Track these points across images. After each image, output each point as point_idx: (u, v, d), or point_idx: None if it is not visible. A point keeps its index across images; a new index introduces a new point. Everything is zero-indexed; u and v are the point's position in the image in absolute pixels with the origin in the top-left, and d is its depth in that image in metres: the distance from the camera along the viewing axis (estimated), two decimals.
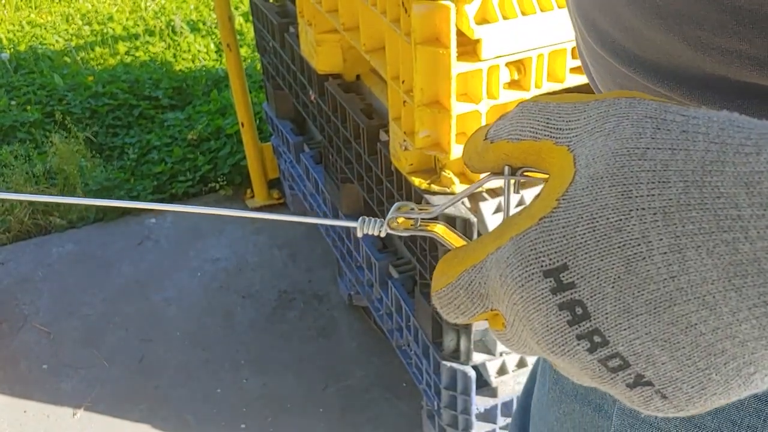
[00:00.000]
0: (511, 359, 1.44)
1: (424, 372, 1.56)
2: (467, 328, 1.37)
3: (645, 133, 0.28)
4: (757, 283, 0.24)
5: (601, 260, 0.27)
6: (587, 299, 0.28)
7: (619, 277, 0.27)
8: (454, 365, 1.42)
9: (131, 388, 1.92)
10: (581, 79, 1.22)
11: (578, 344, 0.29)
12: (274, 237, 2.38)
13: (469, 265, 0.32)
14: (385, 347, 1.95)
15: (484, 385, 1.47)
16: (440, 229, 0.38)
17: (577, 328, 0.28)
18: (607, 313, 0.28)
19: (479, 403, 1.48)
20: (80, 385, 1.94)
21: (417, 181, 1.29)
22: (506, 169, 0.34)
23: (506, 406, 1.52)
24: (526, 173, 0.34)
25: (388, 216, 0.38)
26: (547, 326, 0.29)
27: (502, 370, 1.45)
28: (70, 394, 1.91)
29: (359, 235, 0.39)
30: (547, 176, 0.32)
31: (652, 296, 0.27)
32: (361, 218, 0.39)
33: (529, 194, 1.21)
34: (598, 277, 0.27)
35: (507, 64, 1.15)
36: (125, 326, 2.11)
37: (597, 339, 0.28)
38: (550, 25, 1.12)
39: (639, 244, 0.26)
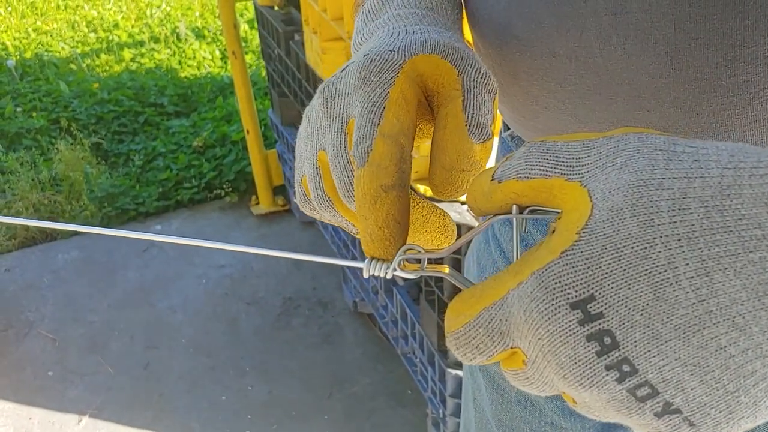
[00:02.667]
0: None
1: (430, 379, 1.56)
2: None
3: (658, 164, 0.28)
4: None
5: (629, 289, 0.28)
6: (616, 328, 0.28)
7: (647, 304, 0.27)
8: (460, 373, 1.42)
9: (136, 395, 1.92)
10: None
11: (607, 374, 0.29)
12: (279, 244, 2.38)
13: (489, 302, 0.32)
14: (390, 354, 1.95)
15: None
16: (447, 270, 0.39)
17: (606, 359, 0.28)
18: (636, 341, 0.28)
19: None
20: (85, 391, 1.94)
21: (422, 189, 1.29)
22: (515, 208, 0.34)
23: None
24: (532, 212, 0.34)
25: (396, 259, 0.38)
26: (575, 359, 0.29)
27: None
28: (75, 400, 1.91)
29: (365, 275, 0.39)
30: (555, 213, 0.33)
31: (681, 321, 0.27)
32: (367, 259, 0.39)
33: None
34: (626, 306, 0.28)
35: None
36: (130, 333, 2.11)
37: (626, 368, 0.28)
38: None
39: (666, 270, 0.27)
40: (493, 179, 0.34)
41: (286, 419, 1.85)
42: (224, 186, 2.64)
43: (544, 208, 0.34)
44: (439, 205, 0.43)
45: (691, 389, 0.28)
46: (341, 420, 1.84)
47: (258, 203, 2.56)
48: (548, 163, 0.32)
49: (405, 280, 1.60)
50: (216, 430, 1.83)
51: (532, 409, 0.72)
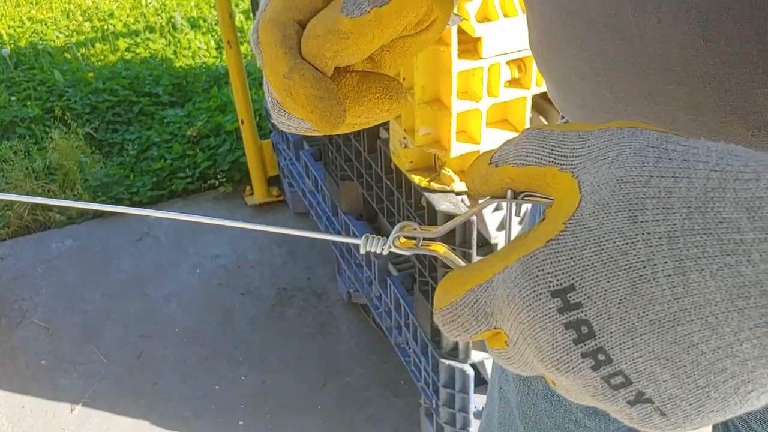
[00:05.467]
0: None
1: (423, 370, 1.56)
2: None
3: (648, 161, 0.29)
4: (759, 305, 0.26)
5: (608, 282, 0.28)
6: (593, 319, 0.29)
7: (625, 298, 0.28)
8: (453, 363, 1.43)
9: (130, 384, 1.92)
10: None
11: (583, 362, 0.30)
12: (274, 234, 2.38)
13: (475, 283, 0.33)
14: (384, 345, 1.95)
15: (482, 383, 1.48)
16: (441, 249, 0.39)
17: (582, 347, 0.29)
18: (612, 333, 0.29)
19: (477, 401, 1.48)
20: (78, 380, 1.94)
21: (417, 179, 1.29)
22: (509, 192, 0.36)
23: None
24: (527, 197, 0.35)
25: (392, 236, 0.39)
26: (553, 344, 0.30)
27: None
28: (68, 389, 1.91)
29: (362, 252, 0.40)
30: (547, 200, 0.34)
31: (656, 316, 0.28)
32: (364, 236, 0.40)
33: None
34: (604, 298, 0.29)
35: (507, 62, 1.15)
36: (124, 322, 2.11)
37: (601, 357, 0.29)
38: None
39: (645, 267, 0.28)
40: (491, 163, 0.35)
41: (280, 409, 1.85)
42: (218, 176, 2.64)
43: (538, 194, 0.35)
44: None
45: (663, 381, 0.29)
46: (335, 410, 1.84)
47: (252, 193, 2.55)
48: (544, 151, 0.33)
49: (399, 270, 1.60)
50: (209, 420, 1.83)
51: (558, 404, 0.74)
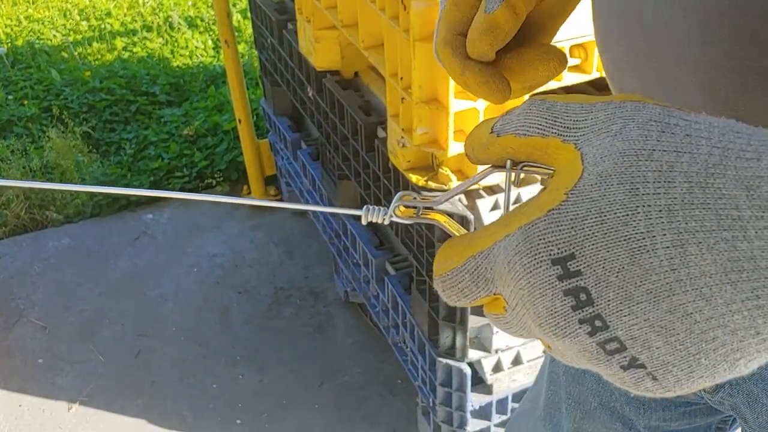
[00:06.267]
0: (507, 356, 1.45)
1: (420, 369, 1.56)
2: (463, 324, 1.37)
3: (651, 135, 0.30)
4: (751, 278, 0.27)
5: (608, 251, 0.29)
6: (592, 286, 0.30)
7: (623, 267, 0.29)
8: (450, 362, 1.43)
9: (127, 383, 1.92)
10: (578, 78, 1.22)
11: (580, 328, 0.31)
12: (271, 233, 2.38)
13: (477, 250, 0.34)
14: (381, 344, 1.95)
15: (479, 382, 1.48)
16: (442, 218, 0.40)
17: (580, 313, 0.30)
18: (609, 300, 0.30)
19: (474, 400, 1.48)
20: (76, 379, 1.94)
21: (414, 178, 1.29)
22: (508, 162, 0.36)
23: (501, 403, 1.53)
24: (526, 168, 0.36)
25: (392, 204, 0.40)
26: (552, 310, 0.31)
27: (497, 368, 1.46)
28: (65, 388, 1.91)
29: (364, 222, 0.41)
30: (547, 171, 0.34)
31: (653, 286, 0.29)
32: (365, 207, 0.40)
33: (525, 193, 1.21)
34: (603, 267, 0.29)
35: None
36: (121, 321, 2.11)
37: (598, 323, 0.30)
38: None
39: (644, 238, 0.28)
40: (492, 132, 0.36)
41: (277, 408, 1.85)
42: (216, 175, 2.64)
43: (538, 165, 0.35)
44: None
45: (656, 348, 0.30)
46: (332, 409, 1.85)
47: (250, 193, 2.55)
48: (546, 122, 0.34)
49: (397, 269, 1.60)
50: (207, 419, 1.83)
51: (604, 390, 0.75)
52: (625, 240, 0.29)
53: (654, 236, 0.28)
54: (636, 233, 0.29)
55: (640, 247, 0.28)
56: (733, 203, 0.27)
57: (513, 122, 0.35)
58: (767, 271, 0.26)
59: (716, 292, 0.27)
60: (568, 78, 1.20)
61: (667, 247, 0.28)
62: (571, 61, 1.20)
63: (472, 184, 0.39)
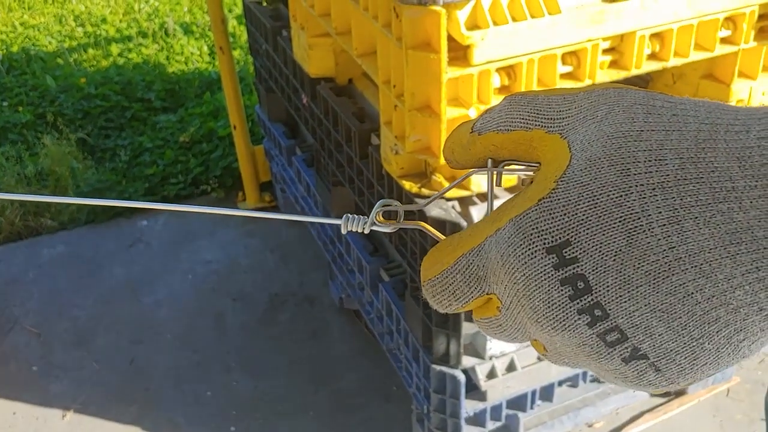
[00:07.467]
0: (501, 363, 1.45)
1: (414, 375, 1.56)
2: (457, 331, 1.37)
3: (637, 117, 0.29)
4: (750, 250, 0.26)
5: (603, 235, 0.29)
6: (589, 273, 0.29)
7: (620, 249, 0.29)
8: (444, 369, 1.43)
9: (121, 390, 1.92)
10: (571, 85, 1.23)
11: (579, 318, 0.30)
12: (266, 240, 2.38)
13: (467, 249, 0.33)
14: (376, 350, 1.95)
15: (473, 389, 1.48)
16: (423, 224, 0.39)
17: (578, 303, 0.30)
18: (608, 286, 0.29)
19: (468, 406, 1.48)
20: (70, 386, 1.93)
21: (407, 185, 1.29)
22: (489, 162, 0.35)
23: (495, 409, 1.53)
24: (508, 167, 0.35)
25: (373, 212, 0.39)
26: (549, 302, 0.30)
27: (491, 374, 1.46)
28: (59, 395, 1.91)
29: (343, 231, 0.40)
30: (531, 169, 0.34)
31: (652, 267, 0.28)
32: (345, 215, 0.40)
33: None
34: (600, 251, 0.29)
35: (497, 70, 1.16)
36: (116, 328, 2.10)
37: (597, 312, 0.29)
38: (540, 31, 1.12)
39: (639, 218, 0.28)
40: (472, 131, 0.35)
41: (272, 415, 1.85)
42: (211, 182, 2.64)
43: (520, 163, 0.35)
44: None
45: (659, 335, 0.29)
46: (327, 416, 1.84)
47: (244, 199, 2.55)
48: (529, 115, 0.33)
49: (391, 276, 1.60)
50: (201, 426, 1.83)
51: None
52: (620, 221, 0.28)
53: (649, 215, 0.28)
54: (631, 213, 0.28)
55: (636, 227, 0.28)
56: (726, 175, 0.26)
57: (494, 119, 0.35)
58: (765, 241, 0.26)
59: (716, 268, 0.27)
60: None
61: (664, 225, 0.28)
62: (564, 69, 1.20)
63: (453, 186, 0.39)
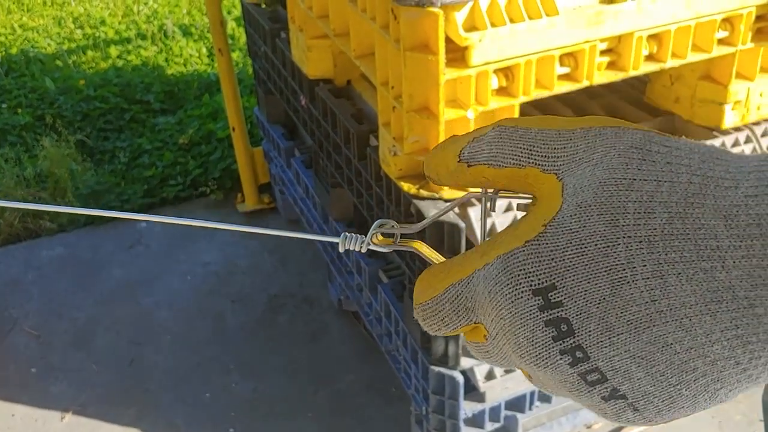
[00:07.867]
0: None
1: (413, 376, 1.56)
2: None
3: (631, 164, 0.30)
4: (730, 309, 0.27)
5: (588, 282, 0.29)
6: (573, 317, 0.30)
7: (604, 298, 0.29)
8: (443, 370, 1.43)
9: (120, 392, 1.92)
10: (569, 87, 1.23)
11: (561, 358, 0.31)
12: (265, 241, 2.38)
13: (456, 279, 0.34)
14: (375, 352, 1.95)
15: (472, 390, 1.48)
16: (419, 246, 0.39)
17: (561, 344, 0.30)
18: (590, 331, 0.30)
19: (467, 407, 1.48)
20: (69, 388, 1.93)
21: (406, 186, 1.30)
22: (484, 191, 0.36)
23: (494, 411, 1.53)
24: (503, 193, 0.35)
25: (370, 233, 0.40)
26: (533, 341, 0.31)
27: (490, 376, 1.46)
28: (58, 397, 1.91)
29: (341, 250, 0.41)
30: (525, 198, 0.34)
31: (633, 317, 0.29)
32: (342, 234, 0.40)
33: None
34: (584, 298, 0.29)
35: (495, 71, 1.16)
36: (115, 330, 2.10)
37: (579, 354, 0.30)
38: (538, 32, 1.13)
39: (624, 269, 0.29)
40: (460, 160, 0.35)
41: (271, 416, 1.85)
42: (210, 183, 2.64)
43: (515, 192, 0.35)
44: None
45: (637, 379, 0.30)
46: (326, 417, 1.85)
47: (243, 201, 2.55)
48: (522, 152, 0.33)
49: (390, 277, 1.60)
50: (200, 427, 1.83)
51: None
52: (605, 271, 0.29)
53: (634, 267, 0.28)
54: (617, 264, 0.29)
55: (621, 278, 0.29)
56: (711, 233, 0.27)
57: (484, 152, 0.34)
58: (745, 301, 0.26)
59: (696, 323, 0.28)
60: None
61: (647, 278, 0.28)
62: (561, 70, 1.20)
63: (451, 209, 0.39)
